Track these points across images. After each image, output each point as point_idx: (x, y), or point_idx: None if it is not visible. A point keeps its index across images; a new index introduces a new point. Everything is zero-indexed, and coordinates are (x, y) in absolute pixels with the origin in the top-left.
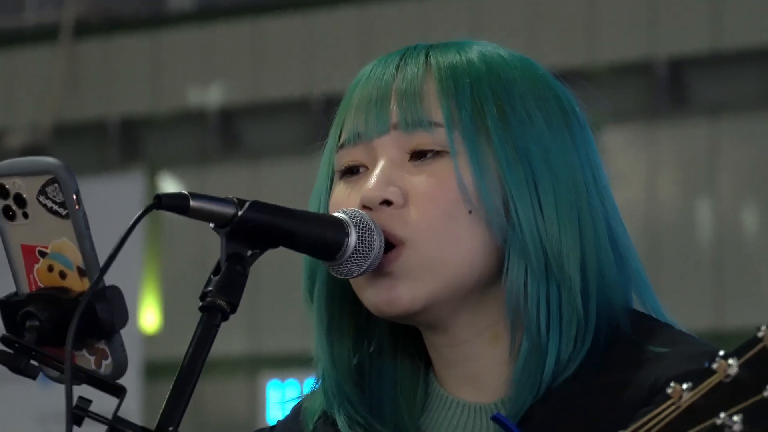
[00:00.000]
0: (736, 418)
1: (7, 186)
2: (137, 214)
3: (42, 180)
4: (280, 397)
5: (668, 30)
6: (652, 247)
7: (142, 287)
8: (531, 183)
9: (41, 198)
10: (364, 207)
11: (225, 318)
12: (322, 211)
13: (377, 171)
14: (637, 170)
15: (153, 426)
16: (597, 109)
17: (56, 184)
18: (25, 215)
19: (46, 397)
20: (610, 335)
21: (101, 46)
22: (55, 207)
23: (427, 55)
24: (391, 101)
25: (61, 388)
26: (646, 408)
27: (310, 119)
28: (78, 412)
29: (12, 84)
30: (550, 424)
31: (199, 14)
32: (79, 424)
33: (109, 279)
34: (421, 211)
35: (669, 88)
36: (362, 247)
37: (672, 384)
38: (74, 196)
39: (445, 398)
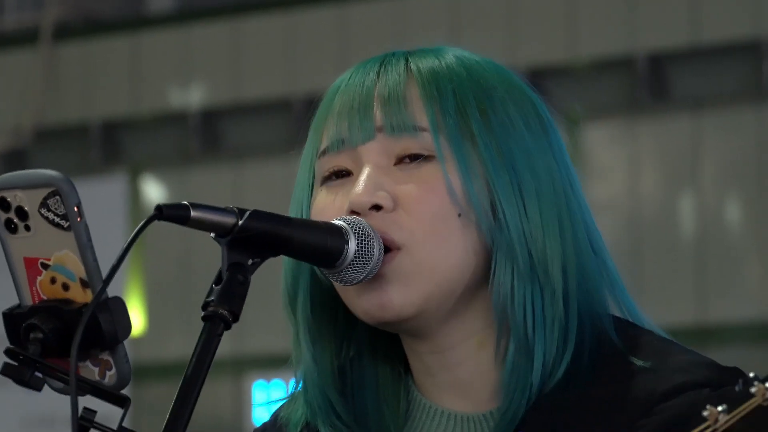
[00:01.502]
0: None
1: (8, 199)
2: (139, 225)
3: (43, 192)
4: (266, 397)
5: (648, 25)
6: (635, 242)
7: (127, 290)
8: (516, 186)
9: (43, 210)
10: (353, 212)
11: (228, 327)
12: (303, 218)
13: (364, 176)
14: (618, 165)
15: None
16: (577, 104)
17: (58, 197)
18: (27, 228)
19: (31, 401)
20: (594, 340)
21: (81, 48)
22: (56, 219)
23: (407, 61)
24: (374, 107)
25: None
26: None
27: (292, 119)
28: (83, 423)
29: None
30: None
31: (179, 15)
32: None
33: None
34: (414, 215)
35: (650, 82)
36: (362, 254)
37: (708, 407)
38: (76, 208)
39: (428, 407)
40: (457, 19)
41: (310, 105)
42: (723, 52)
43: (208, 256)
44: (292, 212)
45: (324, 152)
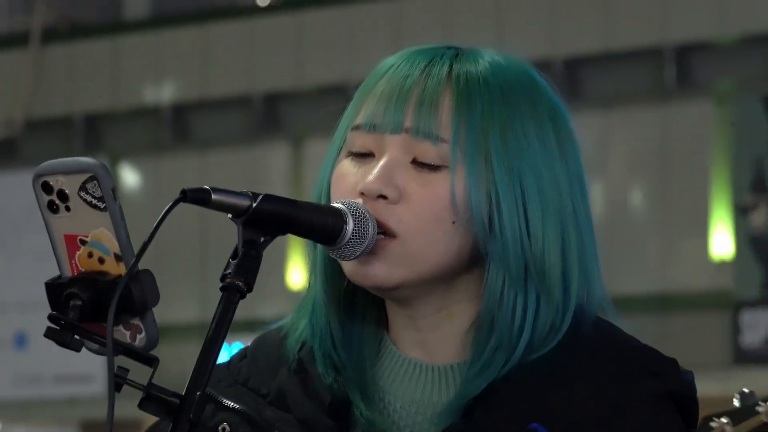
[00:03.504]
0: None
1: (51, 183)
2: (167, 206)
3: (82, 177)
4: (227, 358)
5: (565, 32)
6: None
7: None
8: (521, 203)
9: (82, 193)
10: (362, 194)
11: (243, 296)
12: (328, 176)
13: (380, 165)
14: None
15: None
16: None
17: (95, 182)
18: (68, 208)
19: (22, 361)
20: (577, 330)
21: (66, 49)
22: (94, 201)
23: (451, 66)
24: (410, 104)
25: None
26: None
27: (252, 113)
28: (118, 379)
29: None
30: (512, 400)
31: (153, 21)
32: (119, 390)
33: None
34: (413, 212)
35: (566, 83)
36: (358, 233)
37: (714, 419)
38: (111, 192)
39: (397, 356)
40: (446, 22)
41: (267, 101)
42: (630, 56)
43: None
44: (322, 167)
45: (357, 127)
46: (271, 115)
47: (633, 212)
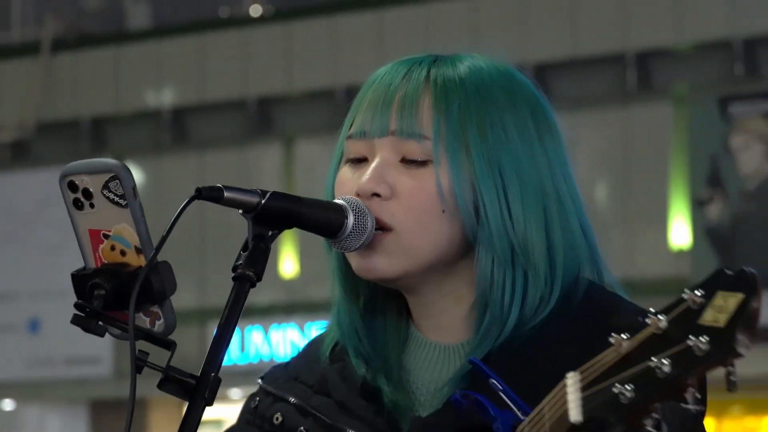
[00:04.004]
0: (665, 361)
1: (76, 182)
2: (183, 203)
3: (105, 177)
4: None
5: (535, 40)
6: None
7: None
8: (501, 191)
9: (105, 192)
10: (358, 195)
11: (253, 285)
12: (332, 183)
13: (373, 166)
14: None
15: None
16: None
17: (117, 181)
18: (92, 205)
19: (35, 345)
20: (567, 302)
21: (73, 58)
22: (116, 199)
23: (429, 70)
24: (393, 109)
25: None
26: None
27: (246, 116)
28: (139, 362)
29: (0, 90)
30: (504, 364)
31: (153, 31)
32: (140, 372)
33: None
34: (404, 206)
35: (536, 87)
36: (358, 227)
37: (613, 334)
38: (132, 190)
39: (421, 340)
40: (381, 26)
41: (261, 105)
42: (595, 62)
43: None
44: (328, 175)
45: (351, 136)
46: (264, 117)
47: (598, 205)
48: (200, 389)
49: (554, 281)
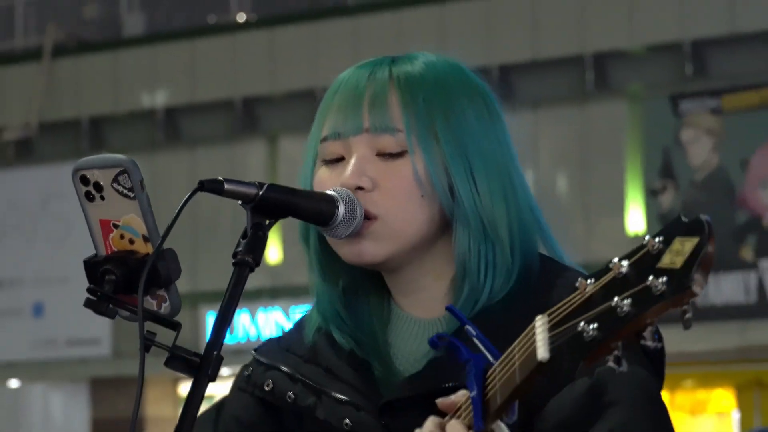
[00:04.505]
0: (626, 300)
1: (88, 176)
2: (187, 195)
3: (115, 171)
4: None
5: (499, 43)
6: None
7: None
8: (468, 171)
9: (114, 185)
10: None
11: (252, 270)
12: (309, 185)
13: (353, 163)
14: None
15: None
16: None
17: (126, 174)
18: (102, 198)
19: (39, 327)
20: (527, 274)
21: (74, 63)
22: (125, 191)
23: (390, 70)
24: (364, 107)
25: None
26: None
27: (234, 116)
28: (147, 342)
29: (5, 93)
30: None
31: (147, 37)
32: (148, 351)
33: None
34: (386, 195)
35: (500, 88)
36: (348, 216)
37: (579, 279)
38: (139, 183)
39: (402, 316)
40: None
41: (247, 105)
42: (555, 64)
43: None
44: (300, 180)
45: (325, 139)
46: (250, 116)
47: (559, 196)
48: (204, 366)
49: (515, 254)
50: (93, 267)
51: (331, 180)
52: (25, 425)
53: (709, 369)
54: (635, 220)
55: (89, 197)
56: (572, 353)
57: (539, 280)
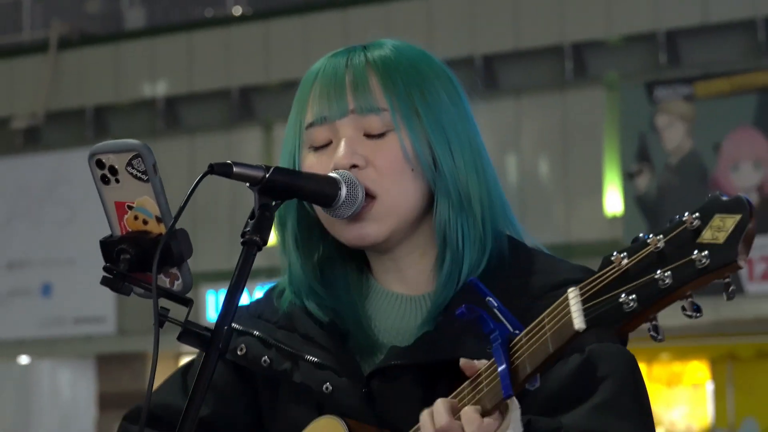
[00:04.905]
0: (667, 273)
1: (103, 160)
2: (198, 178)
3: (129, 155)
4: (216, 302)
5: (483, 34)
6: None
7: None
8: (447, 145)
9: (128, 168)
10: (335, 170)
11: (259, 249)
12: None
13: (343, 144)
14: None
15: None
16: None
17: (140, 158)
18: (117, 181)
19: (47, 307)
20: (499, 253)
21: (78, 55)
22: (138, 174)
23: (365, 55)
24: (347, 91)
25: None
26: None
27: (230, 105)
28: (161, 317)
29: (14, 84)
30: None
31: (148, 30)
32: (162, 326)
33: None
34: (380, 171)
35: (484, 76)
36: (350, 197)
37: (614, 253)
38: (153, 167)
39: (383, 292)
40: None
41: (244, 94)
42: (535, 53)
43: None
44: (288, 164)
45: (311, 125)
46: (246, 105)
47: (541, 180)
48: (215, 340)
49: (486, 227)
50: (109, 246)
51: (320, 164)
52: (35, 399)
53: (684, 343)
54: (613, 202)
55: (105, 180)
56: (609, 323)
57: (512, 260)
